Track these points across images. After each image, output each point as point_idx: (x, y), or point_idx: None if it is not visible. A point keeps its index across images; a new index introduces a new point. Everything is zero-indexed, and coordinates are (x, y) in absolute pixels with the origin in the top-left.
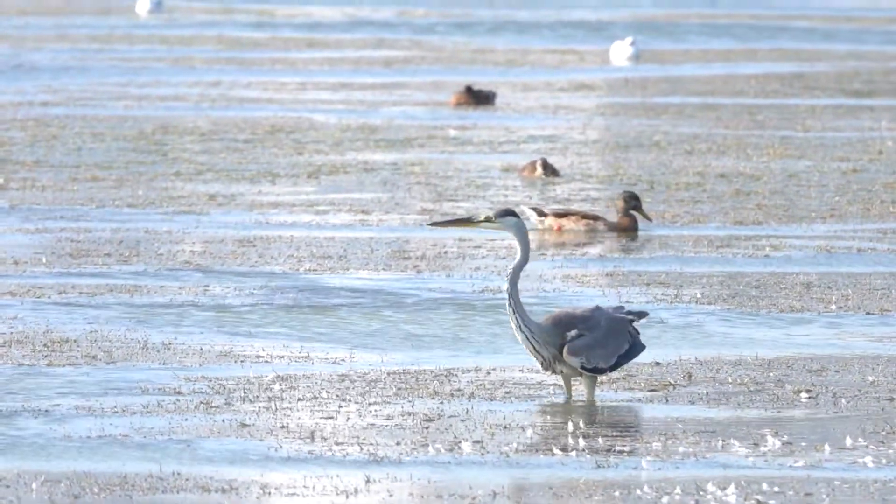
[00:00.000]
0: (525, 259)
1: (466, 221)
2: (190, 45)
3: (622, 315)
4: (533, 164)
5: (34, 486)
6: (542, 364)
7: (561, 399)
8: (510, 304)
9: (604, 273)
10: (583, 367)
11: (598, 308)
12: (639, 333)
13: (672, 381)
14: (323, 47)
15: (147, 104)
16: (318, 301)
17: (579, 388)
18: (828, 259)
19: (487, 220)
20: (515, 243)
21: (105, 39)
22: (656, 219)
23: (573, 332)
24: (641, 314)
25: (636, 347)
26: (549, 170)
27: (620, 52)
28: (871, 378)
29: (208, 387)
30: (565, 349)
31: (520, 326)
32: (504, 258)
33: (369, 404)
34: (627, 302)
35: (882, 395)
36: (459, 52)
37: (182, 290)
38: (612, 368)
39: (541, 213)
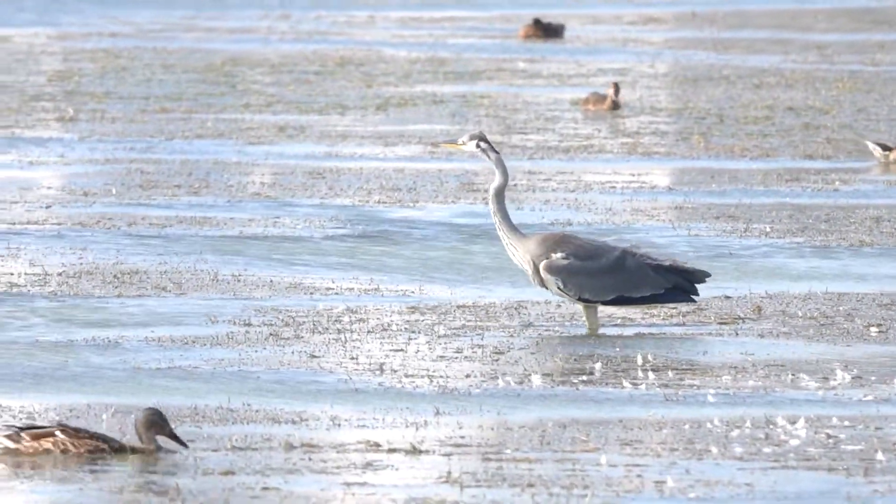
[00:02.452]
0: (504, 179)
1: (452, 143)
2: None
3: (647, 261)
4: (596, 94)
5: (104, 416)
6: (535, 282)
7: (630, 332)
8: (496, 222)
9: (673, 206)
10: (559, 289)
11: (615, 249)
12: (680, 284)
13: (741, 315)
14: None
15: (216, 36)
16: (387, 233)
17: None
18: None
19: (462, 142)
20: (492, 165)
21: None
22: (726, 152)
23: (558, 254)
24: (695, 274)
25: (665, 296)
26: (617, 93)
27: None
28: None
29: (278, 318)
30: (542, 264)
31: (505, 242)
32: (573, 191)
33: (439, 337)
34: (696, 235)
35: None
36: None
37: (251, 221)
38: (616, 303)
39: (885, 148)
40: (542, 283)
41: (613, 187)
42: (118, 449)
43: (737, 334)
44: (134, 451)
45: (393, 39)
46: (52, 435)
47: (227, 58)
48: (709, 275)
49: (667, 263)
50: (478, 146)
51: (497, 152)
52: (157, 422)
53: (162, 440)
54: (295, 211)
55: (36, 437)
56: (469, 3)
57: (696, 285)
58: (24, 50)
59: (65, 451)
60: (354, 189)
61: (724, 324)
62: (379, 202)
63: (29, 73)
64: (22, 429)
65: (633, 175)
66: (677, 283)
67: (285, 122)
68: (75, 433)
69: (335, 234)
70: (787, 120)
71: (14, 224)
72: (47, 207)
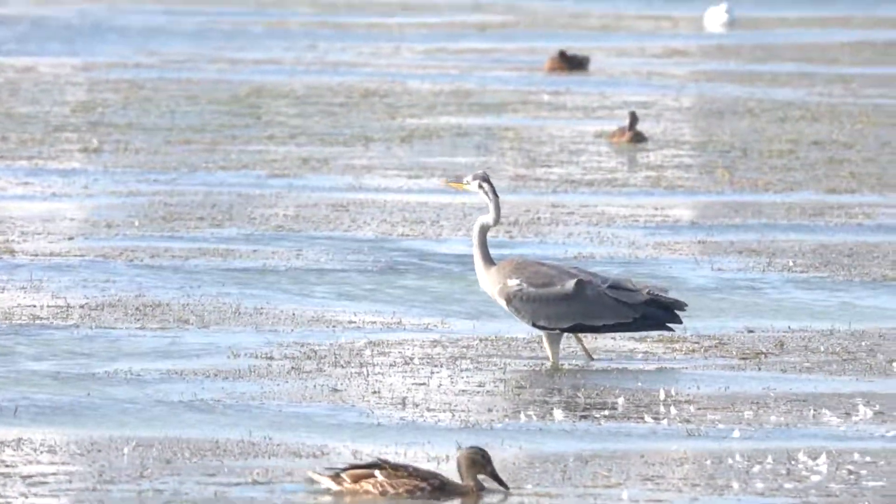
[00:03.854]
0: (495, 220)
1: (458, 183)
2: (284, 8)
3: (619, 290)
4: (622, 129)
5: (126, 450)
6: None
7: (652, 366)
8: (474, 253)
9: (696, 240)
10: (516, 316)
11: (572, 277)
12: (651, 314)
13: (764, 350)
14: (418, 11)
15: (241, 68)
16: (410, 266)
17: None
18: None
19: (466, 182)
20: (490, 204)
21: (200, 2)
22: (750, 186)
23: (514, 280)
24: (670, 305)
25: (634, 325)
26: (635, 123)
27: (715, 18)
28: None
29: (300, 352)
30: (496, 290)
31: (477, 272)
32: (596, 224)
33: (461, 370)
34: (719, 270)
35: None
36: (554, 17)
37: (274, 254)
38: (575, 331)
39: None
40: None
41: (636, 221)
42: (438, 488)
43: (759, 369)
44: (455, 490)
45: (418, 71)
46: (372, 476)
47: (252, 89)
48: (685, 305)
49: (643, 296)
50: (480, 187)
51: (497, 195)
52: (479, 461)
53: (484, 479)
54: (317, 243)
55: (356, 479)
56: (494, 35)
57: (679, 313)
58: (49, 80)
59: (383, 494)
60: (377, 222)
61: (746, 358)
62: (402, 235)
63: (53, 104)
64: (344, 469)
65: (657, 209)
66: (647, 313)
67: (309, 153)
68: (394, 472)
69: (358, 267)
70: (811, 154)
71: (37, 256)
72: (70, 239)
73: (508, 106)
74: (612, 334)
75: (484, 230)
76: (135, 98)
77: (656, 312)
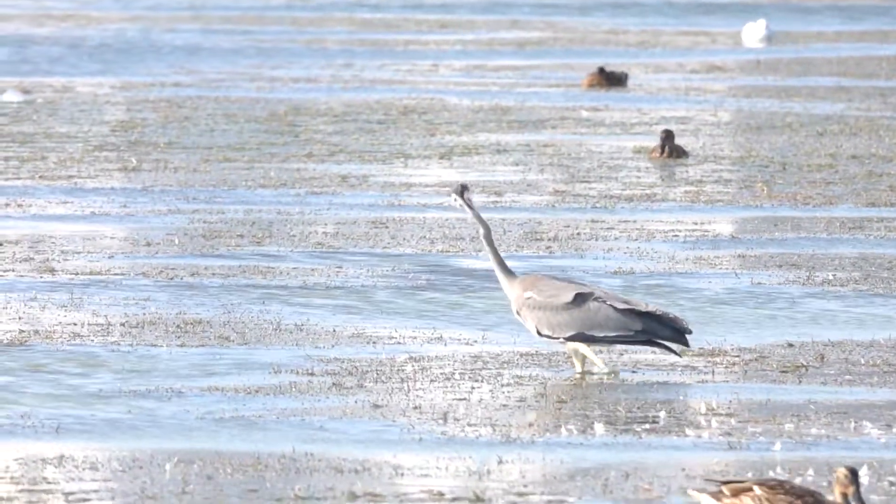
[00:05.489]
0: (486, 228)
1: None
2: (322, 26)
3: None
4: (662, 145)
5: (167, 466)
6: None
7: (693, 380)
8: (493, 266)
9: (736, 254)
10: (521, 321)
11: (584, 293)
12: (653, 329)
13: (804, 363)
14: (456, 28)
15: (279, 86)
16: (450, 282)
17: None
18: None
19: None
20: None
21: (237, 21)
22: (789, 200)
23: (527, 293)
24: (676, 322)
25: (635, 339)
26: (671, 142)
27: (753, 33)
28: None
29: (341, 368)
30: (514, 301)
31: (501, 285)
32: (636, 240)
33: (502, 385)
34: (759, 284)
35: None
36: (592, 33)
37: (314, 271)
38: (577, 340)
39: None
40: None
41: (676, 236)
42: None
43: (800, 381)
44: None
45: (456, 88)
46: (751, 490)
47: (291, 107)
48: (689, 331)
49: (643, 309)
50: (455, 200)
51: (472, 208)
52: (842, 480)
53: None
54: (357, 260)
55: (736, 493)
56: (532, 51)
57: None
58: (88, 100)
59: None
60: (417, 238)
61: (787, 371)
62: (442, 251)
63: (92, 123)
64: (723, 483)
65: (696, 224)
66: (649, 328)
67: (348, 171)
68: (771, 490)
69: (398, 284)
70: (850, 168)
71: (77, 274)
72: (110, 258)
73: (547, 122)
74: (615, 345)
75: (490, 241)
76: (173, 117)
77: (659, 328)
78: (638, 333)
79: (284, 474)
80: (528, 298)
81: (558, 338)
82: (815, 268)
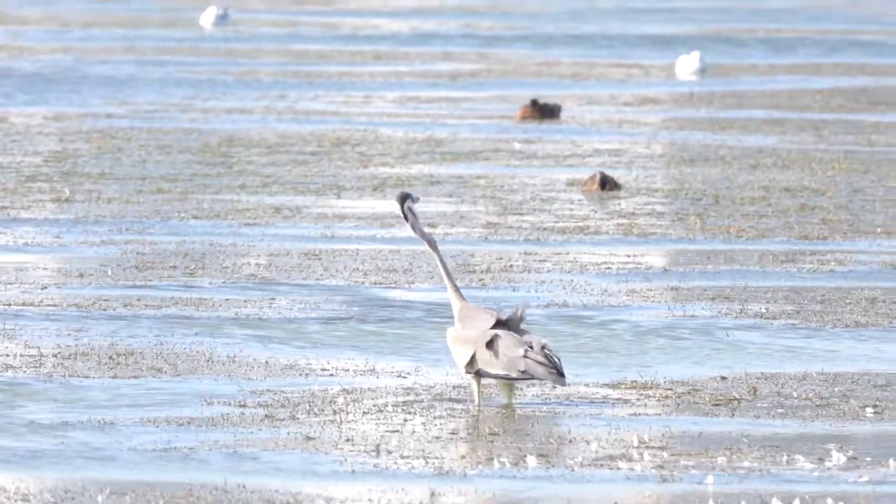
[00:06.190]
0: (428, 242)
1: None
2: (255, 57)
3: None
4: (593, 177)
5: (99, 498)
6: None
7: (625, 412)
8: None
9: (668, 287)
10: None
11: (503, 320)
12: (532, 370)
13: (737, 396)
14: (389, 60)
15: (212, 117)
16: (383, 314)
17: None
18: (893, 274)
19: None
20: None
21: (170, 52)
22: (722, 233)
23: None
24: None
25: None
26: (610, 184)
27: (686, 66)
28: None
29: (273, 399)
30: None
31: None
32: (569, 272)
33: (435, 417)
34: (692, 316)
35: None
36: (525, 65)
37: (247, 303)
38: (476, 374)
39: None
40: None
41: (609, 268)
42: None
43: (732, 415)
44: None
45: (390, 119)
46: None
47: (224, 138)
48: (563, 378)
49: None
50: (398, 208)
51: (408, 219)
52: None
53: None
54: (290, 292)
55: None
56: (465, 83)
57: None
58: (21, 130)
59: None
60: (350, 270)
61: (719, 405)
62: (374, 283)
63: (24, 154)
64: None
65: (629, 256)
66: (529, 368)
67: (281, 203)
68: None
69: (330, 316)
70: (783, 201)
71: (9, 305)
72: (43, 289)
73: (480, 154)
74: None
75: (438, 255)
76: (106, 148)
77: (537, 370)
78: (521, 373)
79: None
80: (448, 330)
81: (462, 370)
82: (748, 300)
